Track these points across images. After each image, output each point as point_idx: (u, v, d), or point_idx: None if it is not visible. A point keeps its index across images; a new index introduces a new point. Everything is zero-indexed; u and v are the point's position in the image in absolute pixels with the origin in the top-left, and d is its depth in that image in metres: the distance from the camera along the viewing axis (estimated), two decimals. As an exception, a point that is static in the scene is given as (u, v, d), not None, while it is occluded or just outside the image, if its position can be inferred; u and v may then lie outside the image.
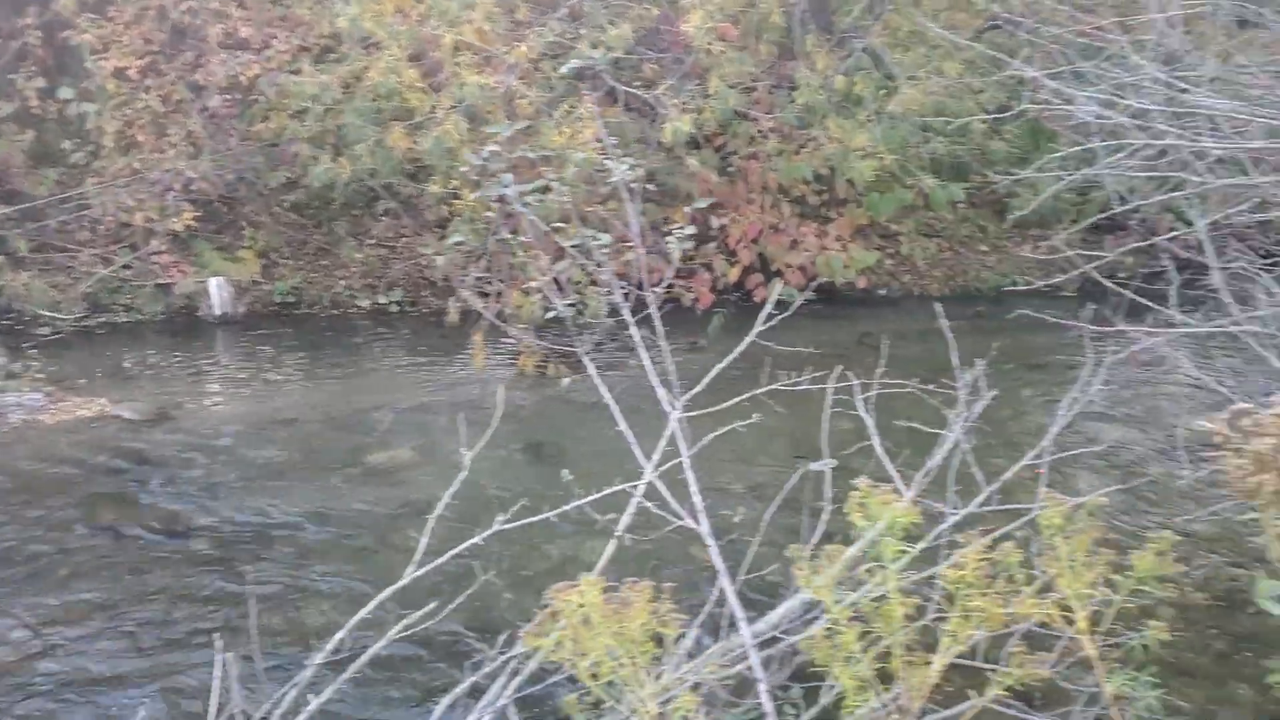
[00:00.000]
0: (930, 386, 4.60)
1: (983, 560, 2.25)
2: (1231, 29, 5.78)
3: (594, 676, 2.25)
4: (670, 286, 9.55)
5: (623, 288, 4.03)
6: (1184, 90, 4.89)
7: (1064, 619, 2.17)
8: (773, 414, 5.56)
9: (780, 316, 4.51)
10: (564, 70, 6.65)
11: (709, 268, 9.86)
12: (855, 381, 4.34)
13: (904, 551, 2.31)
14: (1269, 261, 5.01)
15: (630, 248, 3.83)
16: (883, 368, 4.49)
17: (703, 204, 4.93)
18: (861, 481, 2.32)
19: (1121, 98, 4.84)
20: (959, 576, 2.24)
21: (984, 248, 11.81)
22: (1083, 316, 5.01)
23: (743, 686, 3.27)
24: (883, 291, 11.05)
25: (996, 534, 2.34)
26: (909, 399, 4.84)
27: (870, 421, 4.25)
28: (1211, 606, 5.29)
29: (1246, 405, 1.62)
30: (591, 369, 3.82)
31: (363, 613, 3.40)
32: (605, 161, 3.91)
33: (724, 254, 9.97)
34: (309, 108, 9.82)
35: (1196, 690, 4.70)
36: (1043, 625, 2.33)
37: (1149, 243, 5.58)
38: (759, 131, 9.34)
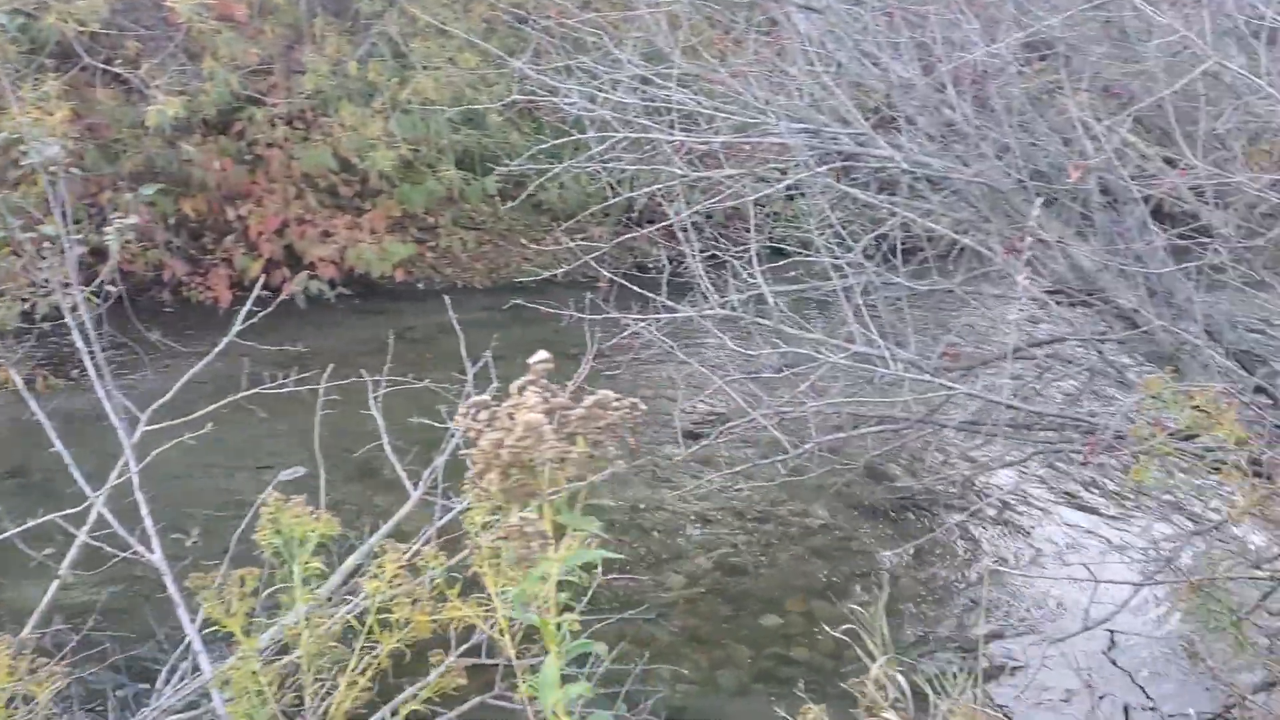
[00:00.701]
0: (421, 381, 4.50)
1: (404, 567, 2.13)
2: (702, 28, 6.18)
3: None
4: (168, 283, 8.83)
5: (64, 287, 3.54)
6: (663, 87, 5.13)
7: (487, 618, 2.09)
8: (291, 420, 5.18)
9: (262, 314, 4.25)
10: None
11: (229, 262, 9.22)
12: (347, 380, 4.15)
13: (319, 569, 2.13)
14: (741, 249, 5.37)
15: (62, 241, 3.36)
16: (390, 364, 4.34)
17: (149, 191, 4.48)
18: (270, 495, 2.11)
19: (604, 92, 5.01)
20: (376, 587, 2.10)
21: (524, 240, 12.01)
22: (579, 306, 5.16)
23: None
24: (421, 284, 10.90)
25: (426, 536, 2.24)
26: (440, 395, 4.71)
27: (381, 421, 4.08)
28: (716, 571, 5.68)
29: (484, 398, 1.58)
30: (18, 380, 3.31)
31: None
32: (32, 143, 3.38)
33: (245, 248, 9.36)
34: None
35: (702, 655, 5.00)
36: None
37: (640, 233, 5.84)
38: (272, 118, 8.84)
